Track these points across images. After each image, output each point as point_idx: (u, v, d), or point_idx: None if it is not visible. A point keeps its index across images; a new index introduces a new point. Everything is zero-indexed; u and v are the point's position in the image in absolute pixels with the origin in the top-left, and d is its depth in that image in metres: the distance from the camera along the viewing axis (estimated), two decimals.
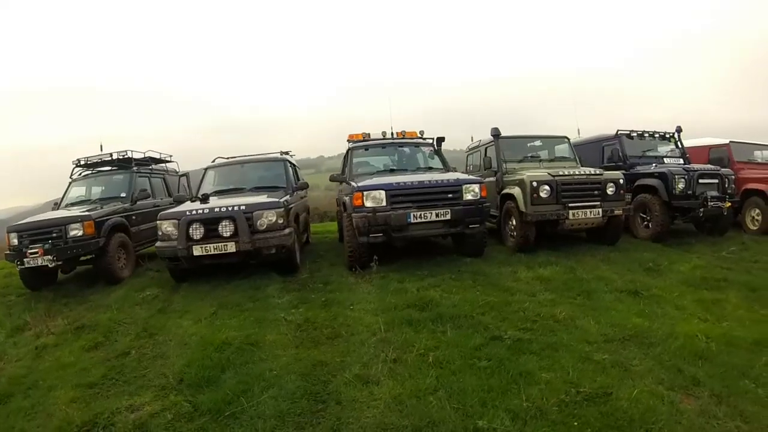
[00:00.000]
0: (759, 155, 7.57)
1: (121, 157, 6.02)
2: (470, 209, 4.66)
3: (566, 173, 5.31)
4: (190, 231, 4.53)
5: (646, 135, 6.96)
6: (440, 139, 5.99)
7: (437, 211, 4.51)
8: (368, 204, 4.46)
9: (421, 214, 4.48)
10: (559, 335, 2.97)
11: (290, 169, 6.03)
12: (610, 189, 5.37)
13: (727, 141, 7.35)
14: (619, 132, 6.83)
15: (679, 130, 7.07)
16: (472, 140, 7.12)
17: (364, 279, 4.48)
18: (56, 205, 5.92)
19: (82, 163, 6.14)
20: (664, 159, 6.84)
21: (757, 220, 6.83)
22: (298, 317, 3.57)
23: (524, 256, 5.15)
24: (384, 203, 4.48)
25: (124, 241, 5.45)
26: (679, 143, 7.07)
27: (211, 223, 4.54)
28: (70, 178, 6.18)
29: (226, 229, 4.52)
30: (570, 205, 5.17)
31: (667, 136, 7.06)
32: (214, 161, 6.17)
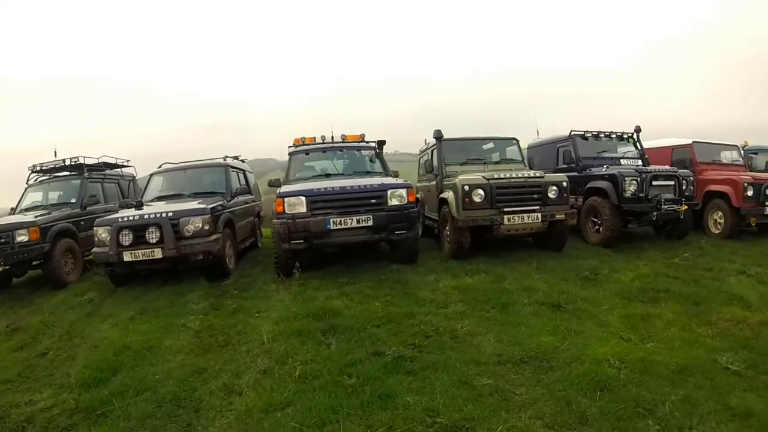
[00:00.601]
0: (727, 156, 7.49)
1: (72, 163, 6.35)
2: (395, 215, 4.76)
3: (502, 176, 5.29)
4: (120, 237, 4.82)
5: (602, 135, 6.96)
6: (381, 143, 6.15)
7: (359, 217, 4.66)
8: (288, 210, 4.66)
9: (341, 221, 4.63)
10: (448, 354, 2.92)
11: (232, 174, 6.26)
12: (552, 192, 5.31)
13: (689, 141, 7.29)
14: (572, 132, 6.86)
15: (638, 130, 7.06)
16: (425, 143, 7.25)
17: (284, 286, 4.69)
18: (13, 210, 6.30)
19: (37, 169, 6.51)
20: (621, 160, 6.82)
21: (719, 224, 6.79)
22: (198, 324, 3.81)
23: (456, 263, 5.19)
24: (304, 209, 4.66)
25: (70, 246, 5.79)
26: (638, 144, 7.05)
27: (139, 229, 4.82)
28: (26, 183, 6.55)
29: (152, 235, 4.79)
30: (505, 209, 5.14)
31: (625, 136, 7.04)
32: (160, 167, 6.45)
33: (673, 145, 7.54)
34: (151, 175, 6.31)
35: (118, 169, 7.42)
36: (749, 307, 3.69)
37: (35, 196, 6.48)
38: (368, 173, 5.80)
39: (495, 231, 5.21)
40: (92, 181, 6.59)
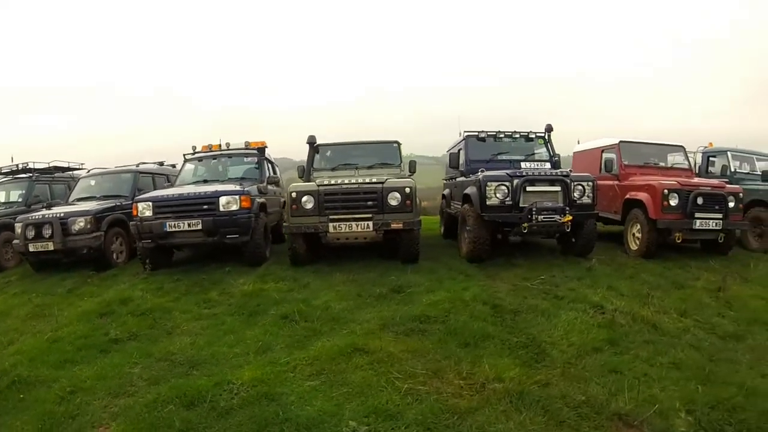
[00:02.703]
0: (671, 159, 7.51)
1: (23, 168, 8.92)
2: (224, 220, 6.34)
3: (335, 182, 6.28)
4: (26, 232, 7.09)
5: (503, 136, 7.53)
6: (261, 149, 7.70)
7: (189, 222, 6.31)
8: (139, 214, 6.46)
9: (175, 224, 6.32)
10: (144, 344, 4.11)
11: (144, 179, 8.36)
12: (394, 200, 6.03)
13: (616, 141, 7.50)
14: (465, 133, 7.59)
15: (548, 129, 7.53)
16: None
17: (134, 279, 6.51)
18: None
19: None
20: (522, 163, 7.30)
21: (637, 239, 6.93)
22: (40, 301, 5.89)
23: (288, 268, 6.38)
24: (150, 213, 6.42)
25: (10, 238, 8.28)
26: (548, 145, 7.52)
27: (38, 226, 7.07)
28: None
29: (46, 231, 6.99)
30: (332, 217, 6.11)
31: (533, 137, 7.54)
32: (89, 172, 8.76)
33: (603, 147, 7.78)
34: (80, 178, 8.65)
35: (71, 172, 9.94)
36: (535, 363, 3.53)
37: None
38: (242, 179, 7.40)
39: (323, 239, 6.30)
40: (40, 183, 9.15)
